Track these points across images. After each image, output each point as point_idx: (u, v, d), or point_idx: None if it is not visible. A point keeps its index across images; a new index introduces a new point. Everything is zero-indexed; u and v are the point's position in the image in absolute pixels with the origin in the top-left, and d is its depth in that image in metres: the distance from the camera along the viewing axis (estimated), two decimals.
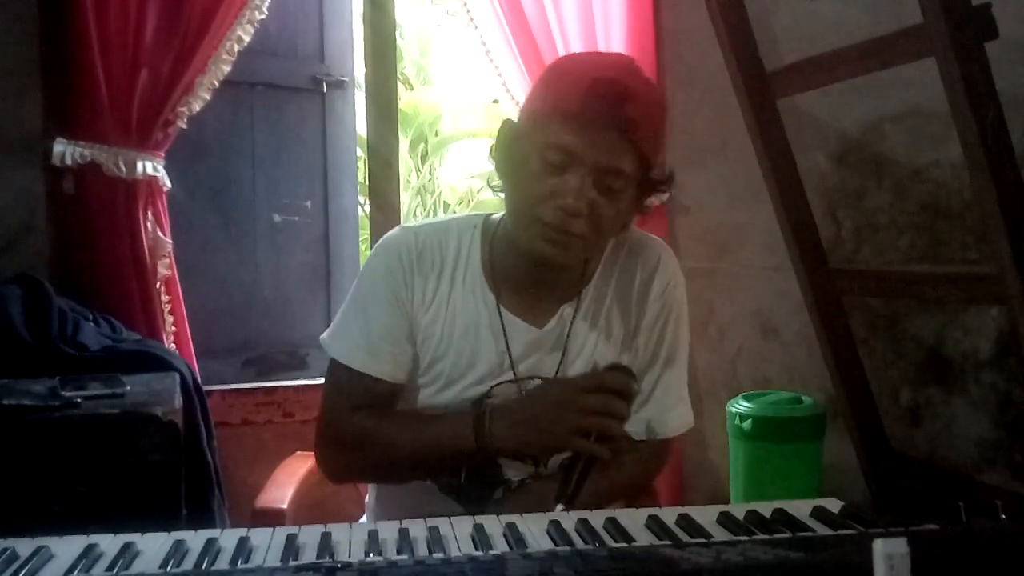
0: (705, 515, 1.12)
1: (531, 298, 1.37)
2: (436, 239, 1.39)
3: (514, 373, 1.37)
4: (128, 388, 1.87)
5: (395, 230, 1.43)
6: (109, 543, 1.02)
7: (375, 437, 1.34)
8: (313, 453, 1.90)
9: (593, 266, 1.41)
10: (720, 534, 1.07)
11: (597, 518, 1.11)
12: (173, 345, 2.43)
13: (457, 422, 1.31)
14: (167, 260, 2.44)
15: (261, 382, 2.77)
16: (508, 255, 1.36)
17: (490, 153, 1.35)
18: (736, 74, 2.54)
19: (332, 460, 1.41)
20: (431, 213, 5.37)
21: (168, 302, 2.45)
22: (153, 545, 1.02)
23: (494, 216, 1.42)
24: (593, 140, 1.22)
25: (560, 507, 1.17)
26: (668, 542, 1.02)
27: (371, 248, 2.80)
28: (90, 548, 1.00)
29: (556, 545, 1.03)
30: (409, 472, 1.36)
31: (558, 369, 1.38)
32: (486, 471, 1.39)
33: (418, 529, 1.06)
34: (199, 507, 2.10)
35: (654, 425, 1.45)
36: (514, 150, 1.30)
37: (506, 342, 1.36)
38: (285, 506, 1.63)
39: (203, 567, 0.95)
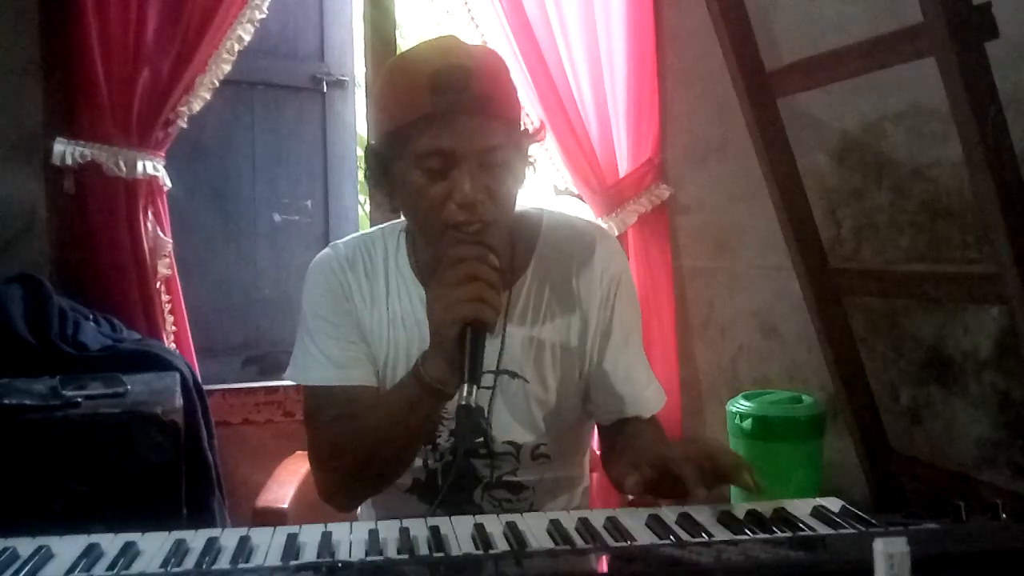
0: (706, 514, 1.11)
1: None
2: (363, 247, 1.41)
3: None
4: (128, 388, 1.88)
5: (324, 250, 1.44)
6: (110, 543, 1.02)
7: (350, 434, 1.32)
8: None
9: (525, 256, 1.40)
10: (721, 533, 1.06)
11: (598, 517, 1.11)
12: (173, 344, 2.43)
13: (404, 380, 1.29)
14: (167, 259, 2.45)
15: (261, 381, 2.77)
16: (432, 252, 1.34)
17: (365, 178, 1.36)
18: (736, 73, 2.54)
19: (328, 482, 1.37)
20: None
21: (168, 301, 2.46)
22: (154, 545, 1.02)
23: None
24: (461, 132, 1.21)
25: (466, 388, 1.14)
26: (669, 541, 1.02)
27: None
28: (91, 548, 1.00)
29: (556, 544, 1.03)
30: (389, 452, 1.30)
31: (499, 358, 1.37)
32: (460, 471, 1.39)
33: (419, 528, 1.06)
34: (199, 507, 2.10)
35: (636, 406, 1.42)
36: (390, 173, 1.29)
37: None
38: (286, 506, 1.62)
39: (204, 567, 0.95)
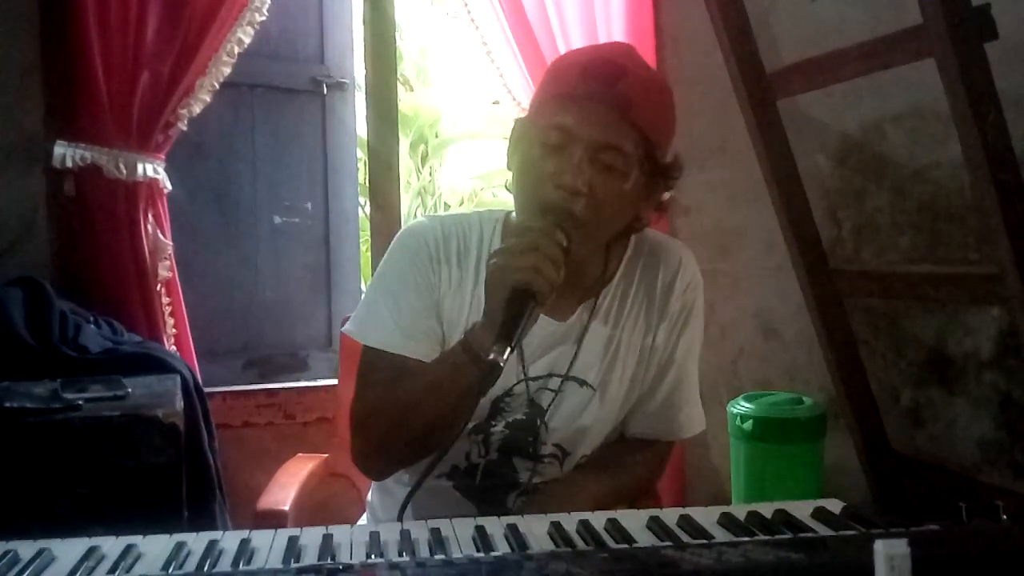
0: (706, 516, 1.12)
1: None
2: (461, 229, 1.39)
3: (523, 364, 1.36)
4: (129, 390, 1.88)
5: (420, 218, 1.43)
6: (111, 545, 1.02)
7: (391, 396, 1.30)
8: (317, 455, 1.91)
9: (615, 265, 1.41)
10: (721, 535, 1.07)
11: (598, 519, 1.11)
12: (174, 347, 2.43)
13: (453, 347, 1.28)
14: (167, 262, 2.45)
15: (262, 384, 2.77)
16: None
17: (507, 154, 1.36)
18: (736, 75, 2.54)
19: (363, 445, 1.35)
20: (431, 215, 5.37)
21: (169, 304, 2.45)
22: (155, 547, 1.02)
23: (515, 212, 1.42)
24: (588, 117, 1.22)
25: (496, 347, 1.12)
26: (669, 543, 1.02)
27: (371, 249, 2.82)
28: (92, 550, 1.00)
29: (557, 546, 1.03)
30: (426, 418, 1.26)
31: (571, 364, 1.37)
32: (500, 472, 1.39)
33: (419, 531, 1.06)
34: (200, 509, 2.10)
35: (670, 426, 1.45)
36: (521, 144, 1.31)
37: None
38: (287, 508, 1.63)
39: (205, 569, 0.95)
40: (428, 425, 1.25)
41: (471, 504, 1.39)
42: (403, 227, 1.43)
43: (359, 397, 1.36)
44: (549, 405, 1.38)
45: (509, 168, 1.34)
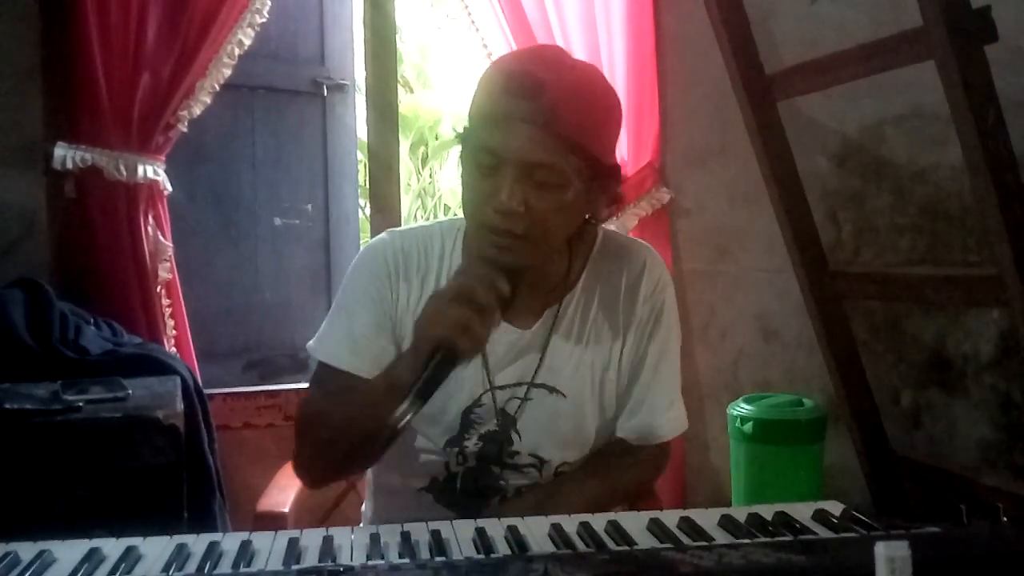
0: (707, 518, 1.12)
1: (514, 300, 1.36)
2: (421, 243, 1.39)
3: (488, 375, 1.36)
4: (129, 392, 1.88)
5: (381, 234, 1.43)
6: (111, 547, 1.02)
7: (327, 411, 1.31)
8: None
9: (578, 270, 1.41)
10: (721, 537, 1.07)
11: (599, 521, 1.11)
12: (174, 348, 2.43)
13: (382, 372, 1.28)
14: (168, 264, 2.45)
15: (262, 385, 2.77)
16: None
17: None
18: (736, 77, 2.54)
19: (300, 453, 1.37)
20: (432, 216, 5.38)
21: (169, 305, 2.46)
22: (155, 549, 1.02)
23: None
24: (513, 138, 1.19)
25: (405, 404, 1.08)
26: (670, 545, 1.02)
27: None
28: (92, 552, 1.00)
29: (558, 548, 1.03)
30: (353, 437, 1.26)
31: (536, 372, 1.37)
32: (481, 480, 1.39)
33: (420, 532, 1.07)
34: (201, 511, 2.10)
35: (649, 429, 1.44)
36: (462, 161, 1.31)
37: None
38: (287, 510, 1.63)
39: (205, 571, 0.95)
40: (355, 443, 1.26)
41: (452, 514, 1.39)
42: (365, 244, 1.43)
43: (303, 408, 1.38)
44: (517, 413, 1.38)
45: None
